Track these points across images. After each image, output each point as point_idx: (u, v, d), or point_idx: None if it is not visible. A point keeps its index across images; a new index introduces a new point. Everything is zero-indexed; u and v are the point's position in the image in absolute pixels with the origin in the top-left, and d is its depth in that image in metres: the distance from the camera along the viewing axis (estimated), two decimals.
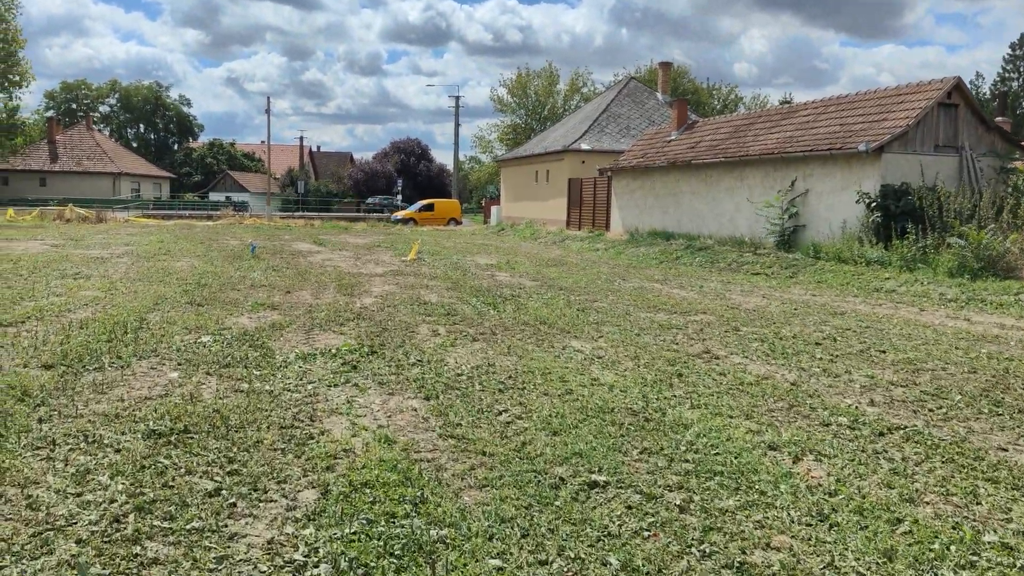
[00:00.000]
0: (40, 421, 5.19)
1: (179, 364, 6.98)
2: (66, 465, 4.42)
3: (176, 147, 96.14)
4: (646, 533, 3.82)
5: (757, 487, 4.46)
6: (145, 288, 12.22)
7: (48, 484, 4.14)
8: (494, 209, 46.96)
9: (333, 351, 7.70)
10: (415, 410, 5.81)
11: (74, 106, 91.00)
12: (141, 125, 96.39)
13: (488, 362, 7.49)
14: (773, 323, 10.50)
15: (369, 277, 15.20)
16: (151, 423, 5.19)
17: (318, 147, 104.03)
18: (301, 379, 6.58)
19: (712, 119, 29.29)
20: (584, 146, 37.17)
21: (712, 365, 7.71)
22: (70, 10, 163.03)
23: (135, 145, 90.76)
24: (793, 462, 4.93)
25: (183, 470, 4.41)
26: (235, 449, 4.79)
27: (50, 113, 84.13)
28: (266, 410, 5.63)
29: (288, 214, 57.31)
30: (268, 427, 5.24)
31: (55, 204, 47.38)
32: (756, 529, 3.93)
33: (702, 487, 4.44)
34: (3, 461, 4.44)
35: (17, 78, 65.86)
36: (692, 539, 3.79)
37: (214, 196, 78.98)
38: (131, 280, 13.27)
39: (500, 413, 5.78)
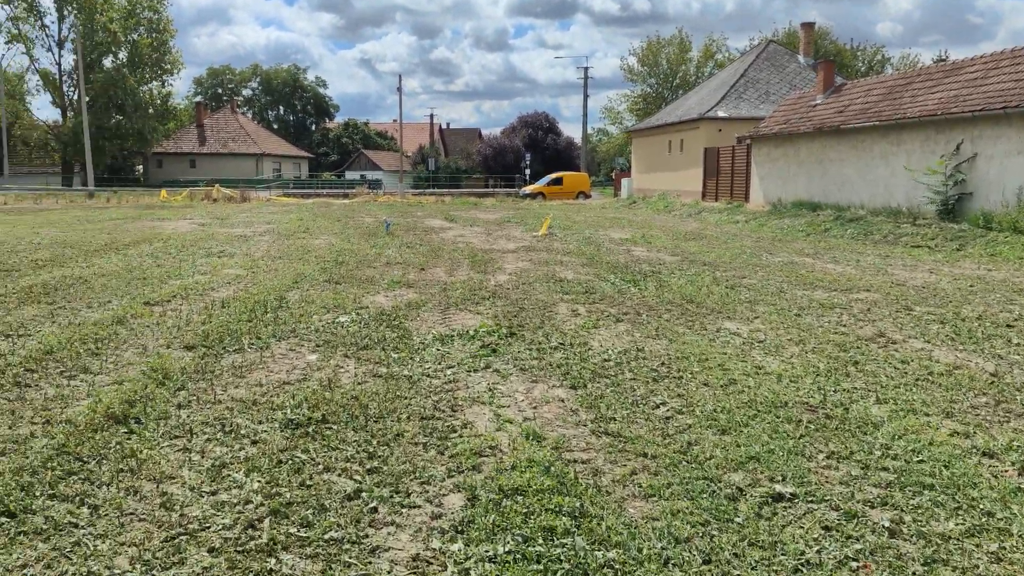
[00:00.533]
0: (179, 407, 5.04)
1: (317, 346, 6.77)
2: (202, 457, 4.20)
3: (313, 128, 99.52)
4: (854, 564, 3.18)
5: (980, 506, 3.71)
6: (285, 266, 12.31)
7: (183, 480, 3.91)
8: (624, 181, 45.88)
9: (471, 332, 7.33)
10: (562, 401, 5.33)
11: (219, 91, 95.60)
12: (281, 107, 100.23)
13: (636, 346, 6.91)
14: (949, 302, 9.38)
15: (501, 253, 14.86)
16: (288, 411, 4.94)
17: (447, 124, 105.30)
18: (439, 363, 6.23)
19: (862, 80, 27.23)
20: (721, 113, 35.59)
21: (890, 351, 6.84)
22: (216, 1, 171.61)
23: (275, 127, 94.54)
24: (1020, 474, 4.13)
25: (321, 467, 4.10)
26: (375, 443, 4.44)
27: (198, 98, 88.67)
28: (406, 398, 5.29)
29: (420, 191, 58.20)
30: (408, 417, 4.89)
31: (203, 184, 49.84)
32: (993, 563, 3.21)
33: (911, 505, 3.74)
34: (141, 451, 4.26)
35: (169, 66, 69.62)
36: (914, 574, 3.12)
37: (349, 175, 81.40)
38: (272, 258, 13.43)
39: (657, 406, 5.21)
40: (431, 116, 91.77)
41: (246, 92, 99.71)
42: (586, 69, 66.15)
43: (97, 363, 6.08)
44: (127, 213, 27.47)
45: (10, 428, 4.61)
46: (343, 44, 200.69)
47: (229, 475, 3.96)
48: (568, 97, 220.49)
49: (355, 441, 4.46)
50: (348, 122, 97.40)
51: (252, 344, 6.76)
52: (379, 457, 4.24)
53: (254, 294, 9.35)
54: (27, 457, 4.12)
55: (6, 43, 64.69)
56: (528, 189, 50.61)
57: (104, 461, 4.11)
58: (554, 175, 52.18)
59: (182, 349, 6.60)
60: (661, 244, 16.80)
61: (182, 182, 59.53)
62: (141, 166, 73.94)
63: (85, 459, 4.13)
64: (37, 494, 3.69)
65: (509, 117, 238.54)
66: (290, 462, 4.14)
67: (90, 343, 6.69)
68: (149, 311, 8.27)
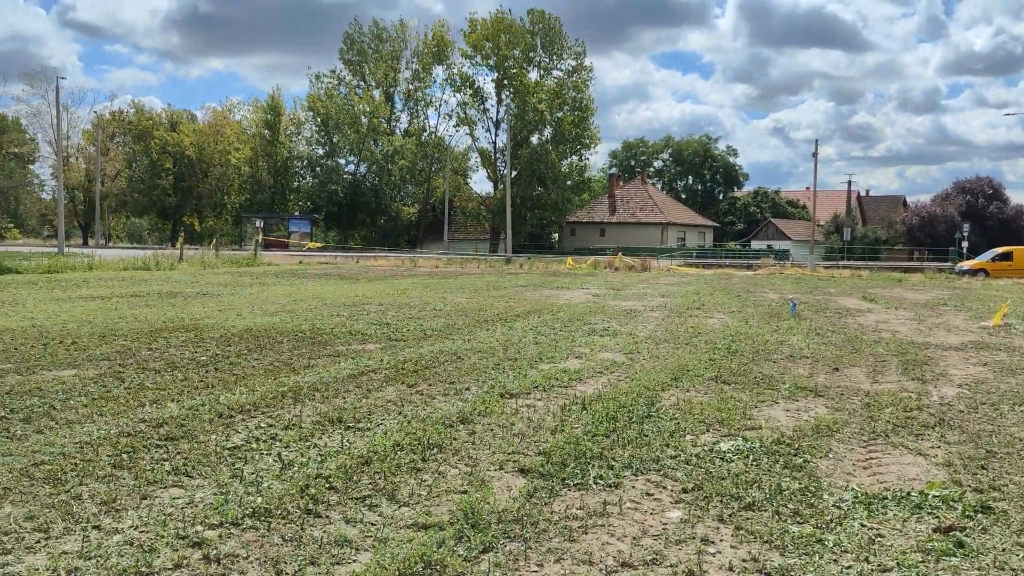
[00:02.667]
0: None
1: (684, 492, 4.94)
2: None
3: (721, 197, 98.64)
4: None
5: None
6: (669, 352, 10.71)
7: None
8: None
9: (913, 496, 4.92)
10: None
11: (632, 163, 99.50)
12: (690, 177, 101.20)
13: None
14: None
15: (942, 351, 11.64)
16: None
17: (866, 191, 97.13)
18: (865, 559, 3.99)
19: None
20: None
21: None
22: (637, 79, 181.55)
23: (683, 196, 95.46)
24: None
25: None
26: None
27: (612, 170, 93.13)
28: None
29: (831, 263, 53.42)
30: None
31: (609, 252, 51.09)
32: None
33: None
34: None
35: (587, 141, 73.97)
36: None
37: (755, 244, 78.55)
38: (656, 341, 11.95)
39: None
40: (848, 182, 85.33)
41: (657, 163, 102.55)
42: None
43: (410, 485, 4.93)
44: (532, 280, 28.39)
45: None
46: (756, 114, 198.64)
47: None
48: (1014, 160, 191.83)
49: None
50: (757, 190, 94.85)
51: (599, 478, 5.15)
52: None
53: (623, 392, 7.84)
54: None
55: (455, 126, 73.98)
56: (966, 265, 43.43)
57: None
58: (1001, 249, 44.09)
59: (515, 473, 5.24)
60: None
61: (591, 249, 62.05)
62: (556, 234, 79.10)
63: None
64: None
65: (938, 183, 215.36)
66: None
67: (419, 451, 5.65)
68: (502, 406, 7.16)
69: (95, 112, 67.60)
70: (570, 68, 72.96)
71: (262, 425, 6.36)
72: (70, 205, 70.53)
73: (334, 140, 68.08)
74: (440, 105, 76.34)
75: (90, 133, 66.39)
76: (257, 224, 53.25)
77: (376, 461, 5.36)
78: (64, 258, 32.32)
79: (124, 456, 5.44)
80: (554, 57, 72.23)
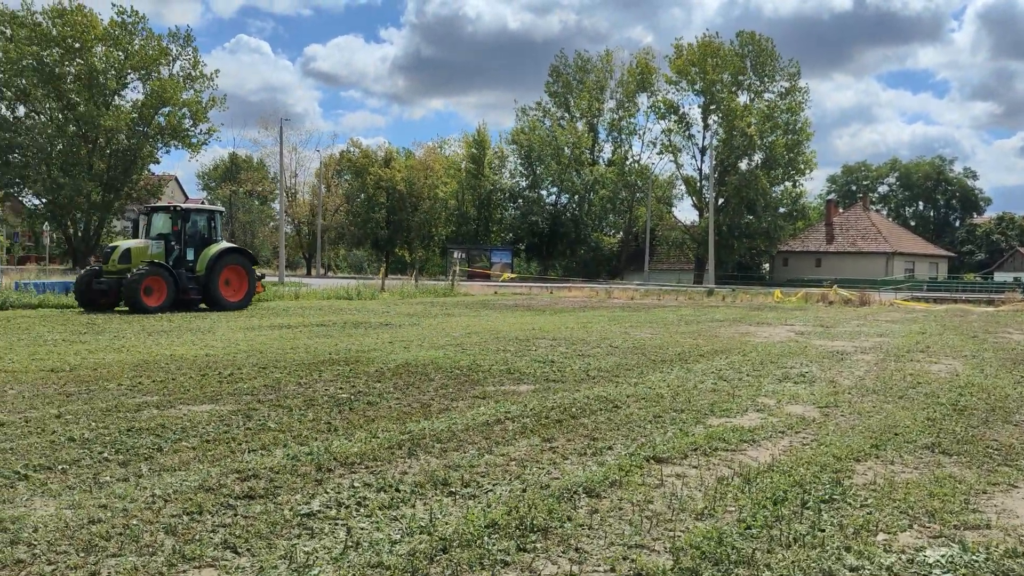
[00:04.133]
0: None
1: None
2: None
3: (957, 224, 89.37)
4: None
5: None
6: (875, 407, 8.86)
7: None
8: None
9: None
10: None
11: (853, 187, 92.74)
12: (920, 202, 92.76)
13: None
14: None
15: None
16: None
17: None
18: None
19: None
20: None
21: None
22: (860, 101, 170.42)
23: (912, 223, 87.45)
24: None
25: None
26: None
27: (831, 196, 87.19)
28: None
29: None
30: None
31: (825, 284, 47.16)
32: None
33: None
34: None
35: (802, 166, 69.67)
36: None
37: (999, 276, 70.08)
38: (862, 391, 10.04)
39: None
40: None
41: (881, 188, 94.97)
42: None
43: None
44: (731, 314, 26.33)
45: None
46: (1000, 132, 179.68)
47: None
48: None
49: None
50: (1002, 216, 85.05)
51: None
52: None
53: (803, 461, 6.27)
54: None
55: (659, 154, 72.38)
56: None
57: None
58: None
59: None
60: None
61: (805, 281, 57.96)
62: (767, 264, 75.00)
63: None
64: None
65: None
66: None
67: (516, 536, 4.53)
68: (643, 475, 5.88)
69: (318, 151, 72.83)
70: (783, 90, 69.25)
71: (356, 484, 5.53)
72: (296, 237, 76.26)
73: (537, 171, 68.76)
74: (644, 133, 75.14)
75: (319, 171, 71.49)
76: (456, 255, 54.44)
77: (456, 548, 4.31)
78: (280, 287, 34.29)
79: (184, 518, 4.77)
80: (765, 79, 68.90)
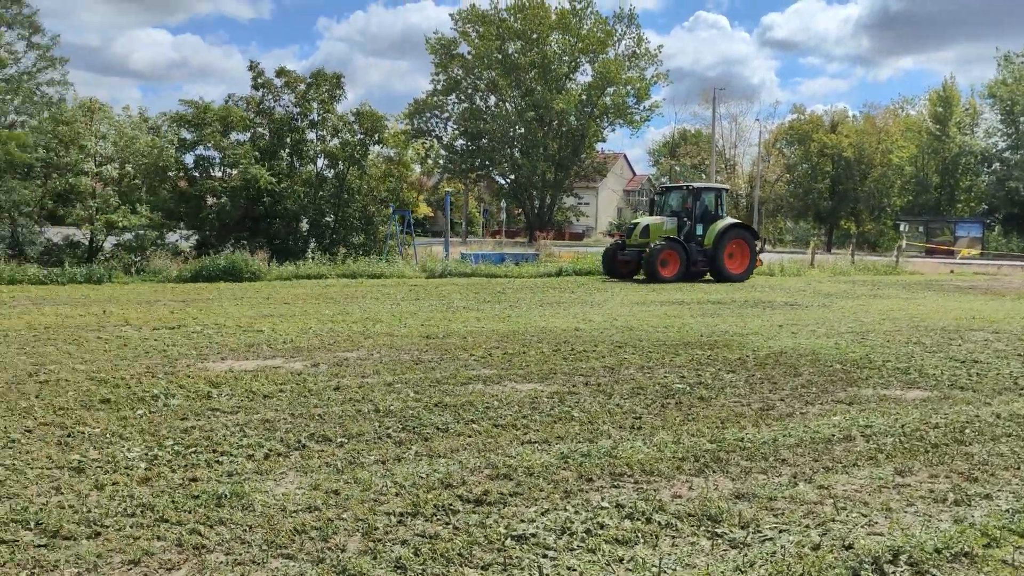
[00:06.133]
0: None
1: None
2: None
3: None
4: None
5: None
6: None
7: None
8: None
9: None
10: None
11: None
12: None
13: None
14: None
15: None
16: None
17: None
18: None
19: None
20: None
21: None
22: None
23: None
24: None
25: None
26: None
27: None
28: None
29: None
30: None
31: None
32: None
33: None
34: None
35: None
36: None
37: None
38: None
39: None
40: None
41: None
42: None
43: None
44: None
45: None
46: None
47: None
48: None
49: None
50: None
51: None
52: None
53: None
54: None
55: None
56: None
57: None
58: None
59: None
60: None
61: None
62: None
63: None
64: None
65: None
66: None
67: None
68: (1010, 549, 3.91)
69: (757, 120, 69.85)
70: None
71: (605, 504, 4.53)
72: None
73: (1020, 128, 57.64)
74: None
75: (767, 142, 68.75)
76: (902, 228, 48.06)
77: None
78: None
79: (392, 519, 4.27)
80: None
